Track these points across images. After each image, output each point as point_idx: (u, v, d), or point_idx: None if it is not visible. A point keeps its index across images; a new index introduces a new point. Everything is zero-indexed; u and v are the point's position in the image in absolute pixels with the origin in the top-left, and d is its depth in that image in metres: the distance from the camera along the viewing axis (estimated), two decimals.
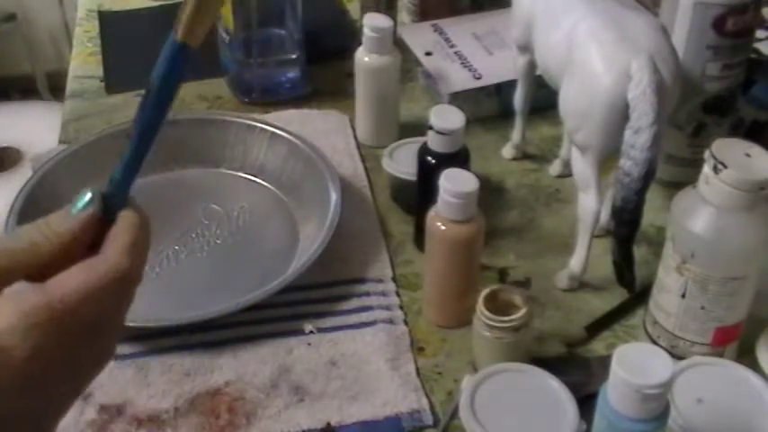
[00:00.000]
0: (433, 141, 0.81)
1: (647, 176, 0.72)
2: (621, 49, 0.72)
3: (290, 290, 0.79)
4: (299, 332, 0.78)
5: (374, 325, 0.79)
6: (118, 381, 0.74)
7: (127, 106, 1.06)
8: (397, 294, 0.82)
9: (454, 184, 0.73)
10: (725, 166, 0.65)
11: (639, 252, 0.81)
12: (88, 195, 0.47)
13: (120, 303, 0.47)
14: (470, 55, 1.05)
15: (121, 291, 0.46)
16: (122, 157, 0.49)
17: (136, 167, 0.49)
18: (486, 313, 0.71)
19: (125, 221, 0.47)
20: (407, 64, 1.04)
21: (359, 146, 1.00)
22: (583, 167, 0.78)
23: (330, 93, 1.08)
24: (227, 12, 1.01)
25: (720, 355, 0.72)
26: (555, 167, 0.96)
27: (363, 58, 0.96)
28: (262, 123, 0.96)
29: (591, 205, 0.78)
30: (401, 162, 0.91)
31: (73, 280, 0.44)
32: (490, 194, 0.92)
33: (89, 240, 0.47)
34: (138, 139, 0.48)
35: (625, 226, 0.75)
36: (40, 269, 0.45)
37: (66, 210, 0.47)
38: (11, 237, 0.48)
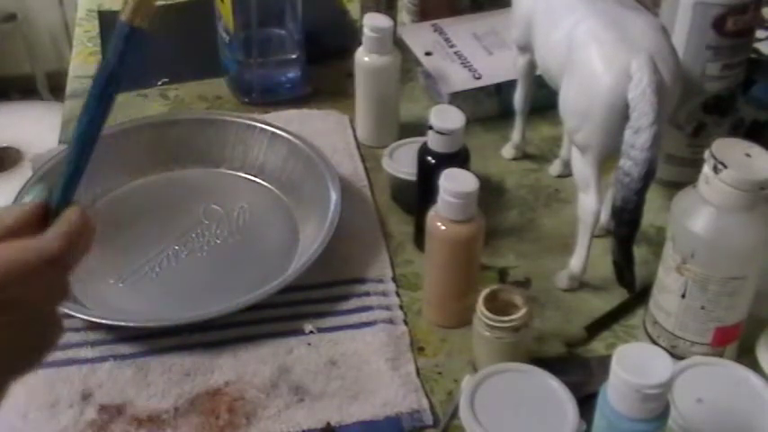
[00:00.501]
0: (433, 141, 0.81)
1: (647, 176, 0.72)
2: (621, 49, 0.72)
3: (290, 290, 0.79)
4: (299, 332, 0.78)
5: (374, 325, 0.79)
6: (118, 381, 0.74)
7: (127, 106, 1.06)
8: (397, 294, 0.82)
9: (454, 184, 0.73)
10: (725, 166, 0.65)
11: (639, 252, 0.81)
12: (35, 190, 0.49)
13: (48, 287, 0.48)
14: (470, 55, 1.05)
15: (49, 273, 0.47)
16: (67, 155, 0.50)
17: (82, 164, 0.50)
18: (486, 313, 0.71)
19: (65, 214, 0.49)
20: (407, 64, 1.04)
21: (359, 146, 1.00)
22: (583, 167, 0.78)
23: (330, 93, 1.08)
24: (227, 12, 1.01)
25: (720, 355, 0.72)
26: (555, 167, 0.96)
27: (363, 58, 0.96)
28: (262, 123, 0.96)
29: (591, 205, 0.78)
30: (401, 162, 0.91)
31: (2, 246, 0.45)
32: (490, 194, 0.92)
33: (34, 231, 0.48)
34: (84, 133, 0.49)
35: (625, 226, 0.75)
36: None
37: (14, 204, 0.49)
38: None
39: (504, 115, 1.01)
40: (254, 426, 0.71)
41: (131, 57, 0.48)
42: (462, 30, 1.10)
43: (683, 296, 0.70)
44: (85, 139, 0.49)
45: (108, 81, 0.48)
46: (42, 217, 0.49)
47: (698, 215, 0.68)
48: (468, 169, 0.77)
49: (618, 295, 0.81)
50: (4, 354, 0.47)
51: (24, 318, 0.47)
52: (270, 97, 1.06)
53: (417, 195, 0.84)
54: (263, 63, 1.05)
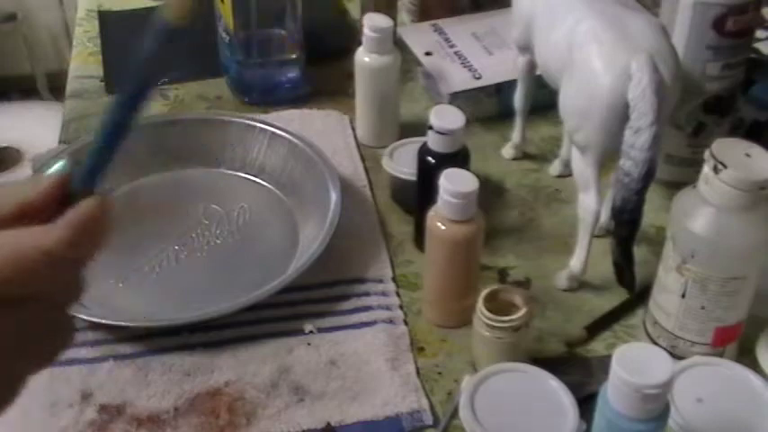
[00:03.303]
0: (433, 141, 0.81)
1: (647, 176, 0.72)
2: (621, 49, 0.72)
3: (290, 290, 0.79)
4: (299, 332, 0.78)
5: (374, 325, 0.79)
6: (118, 381, 0.74)
7: None
8: (397, 294, 0.82)
9: (454, 184, 0.73)
10: (725, 166, 0.65)
11: (639, 252, 0.81)
12: (61, 163, 0.46)
13: (54, 284, 0.43)
14: (470, 55, 1.05)
15: (56, 264, 0.41)
16: (95, 139, 0.46)
17: (110, 152, 0.46)
18: (486, 313, 0.71)
19: (81, 203, 0.43)
20: (407, 64, 1.04)
21: (359, 146, 1.00)
22: (583, 167, 0.78)
23: (330, 93, 1.08)
24: (227, 12, 1.01)
25: (720, 355, 0.72)
26: (555, 167, 0.96)
27: (363, 58, 0.96)
28: (262, 123, 0.96)
29: (591, 205, 0.78)
30: (401, 162, 0.91)
31: (3, 236, 0.40)
32: (490, 194, 0.92)
33: (52, 208, 0.43)
34: (116, 123, 0.46)
35: (625, 226, 0.75)
36: None
37: (33, 177, 0.45)
38: None
39: (504, 115, 1.01)
40: (254, 426, 0.71)
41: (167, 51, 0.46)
42: (462, 30, 1.10)
43: (683, 296, 0.70)
44: (122, 122, 0.46)
45: (149, 77, 0.46)
46: (61, 198, 0.43)
47: (698, 215, 0.68)
48: (468, 169, 0.77)
49: (618, 295, 0.81)
50: (6, 357, 0.42)
51: (29, 318, 0.42)
52: (270, 97, 1.06)
53: (417, 195, 0.84)
54: (263, 63, 1.05)
